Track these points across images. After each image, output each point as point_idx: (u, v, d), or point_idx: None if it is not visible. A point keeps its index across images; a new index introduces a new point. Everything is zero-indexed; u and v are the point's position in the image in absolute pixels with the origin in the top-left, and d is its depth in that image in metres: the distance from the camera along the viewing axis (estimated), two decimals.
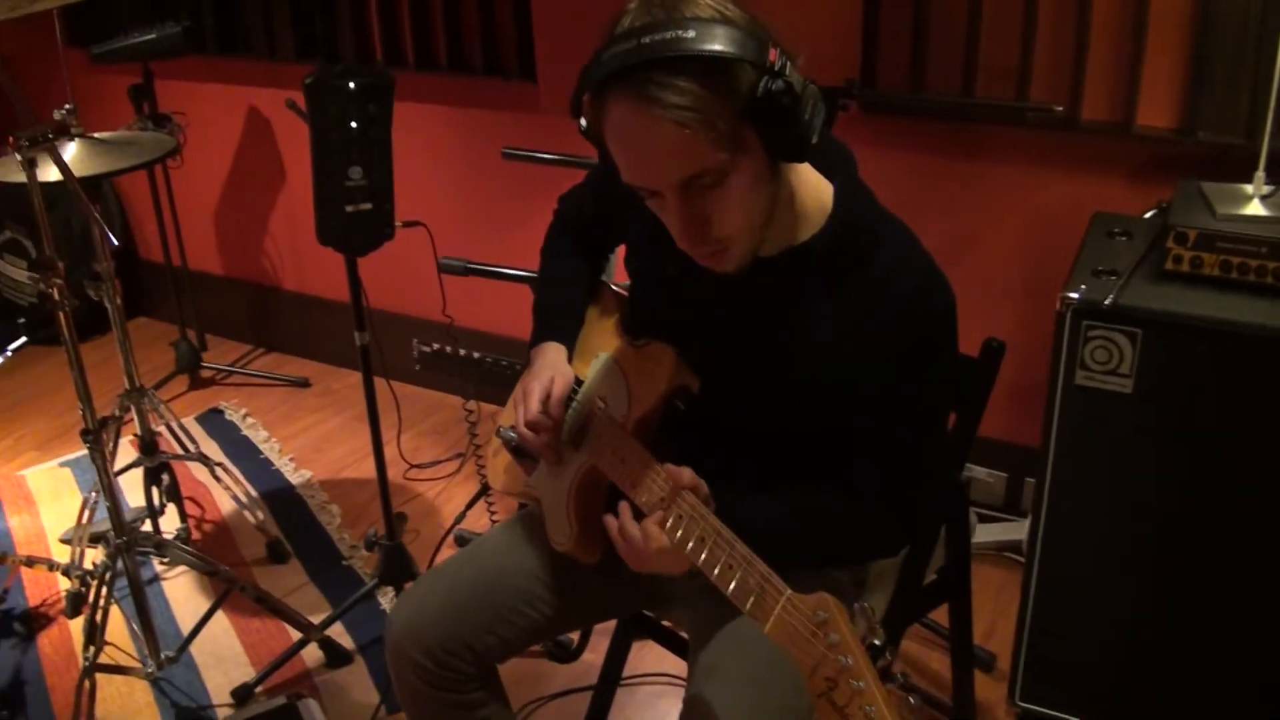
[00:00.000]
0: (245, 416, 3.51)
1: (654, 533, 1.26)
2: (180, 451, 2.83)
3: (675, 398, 1.45)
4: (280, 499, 3.06)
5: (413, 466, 3.13)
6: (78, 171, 2.31)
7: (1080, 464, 1.90)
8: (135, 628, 2.29)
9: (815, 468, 1.40)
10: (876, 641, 1.01)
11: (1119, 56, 2.19)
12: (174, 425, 2.77)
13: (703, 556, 1.22)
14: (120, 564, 2.17)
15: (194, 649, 2.43)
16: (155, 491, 2.75)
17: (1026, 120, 2.32)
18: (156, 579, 2.70)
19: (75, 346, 1.96)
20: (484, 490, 2.62)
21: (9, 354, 2.38)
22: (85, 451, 2.70)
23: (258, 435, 3.40)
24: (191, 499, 3.01)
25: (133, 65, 3.28)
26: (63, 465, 3.19)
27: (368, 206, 1.95)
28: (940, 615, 2.21)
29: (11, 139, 1.78)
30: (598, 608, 1.65)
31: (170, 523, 2.84)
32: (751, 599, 1.14)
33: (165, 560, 2.70)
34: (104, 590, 2.16)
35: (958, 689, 1.93)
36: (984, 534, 2.62)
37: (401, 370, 3.19)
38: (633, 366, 1.51)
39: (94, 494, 2.61)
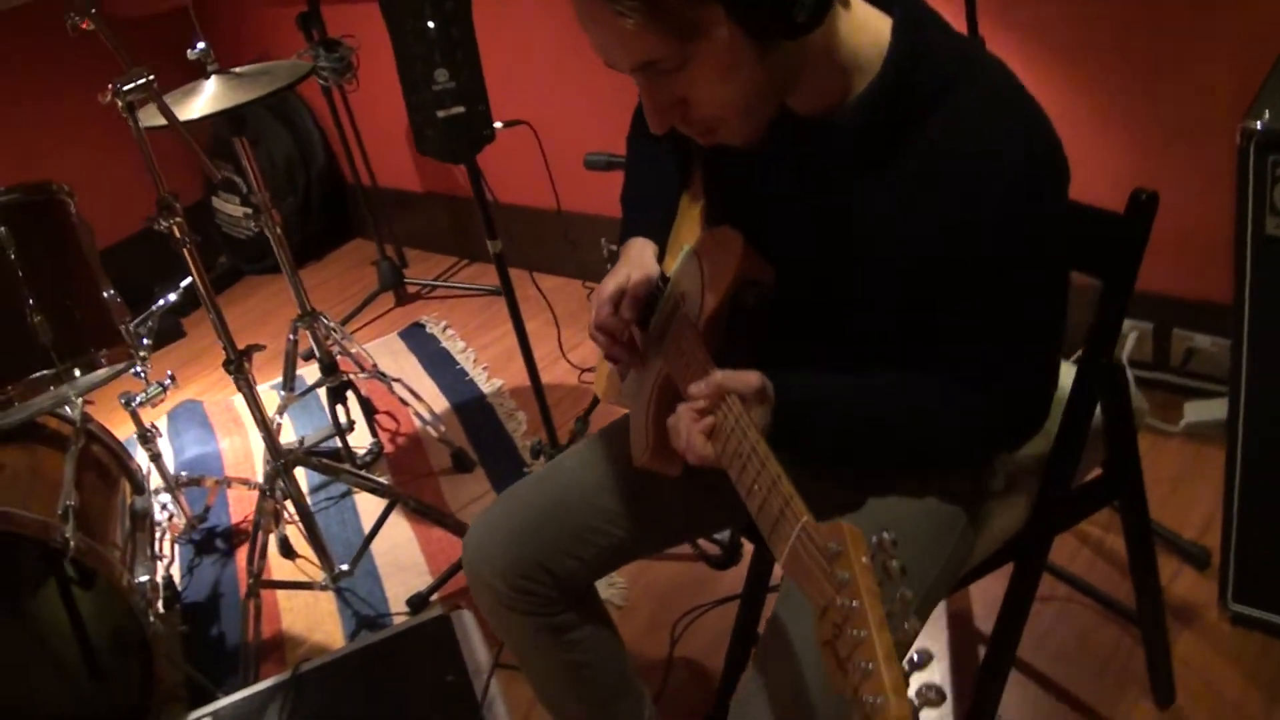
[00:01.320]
0: (445, 329, 3.57)
1: (698, 445, 1.13)
2: (360, 371, 2.89)
3: (744, 292, 1.30)
4: (472, 409, 3.09)
5: (584, 372, 3.08)
6: (216, 106, 2.36)
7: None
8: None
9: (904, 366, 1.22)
10: (895, 584, 0.83)
11: None
12: (347, 345, 2.82)
13: (736, 474, 1.08)
14: (281, 485, 2.23)
15: (378, 559, 2.51)
16: (341, 410, 2.84)
17: None
18: (350, 493, 2.79)
19: (205, 282, 1.99)
20: (594, 404, 2.50)
21: (175, 295, 2.45)
22: (272, 382, 2.85)
23: (455, 346, 3.45)
24: (388, 413, 3.09)
25: None
26: (271, 388, 3.35)
27: (460, 110, 1.86)
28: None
29: (110, 85, 1.80)
30: (686, 525, 1.53)
31: (363, 438, 2.93)
32: (771, 525, 0.99)
33: None
34: (269, 512, 2.24)
35: (1140, 597, 1.69)
36: (1206, 411, 2.29)
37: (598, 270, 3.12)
38: (708, 256, 1.37)
39: (278, 416, 2.73)
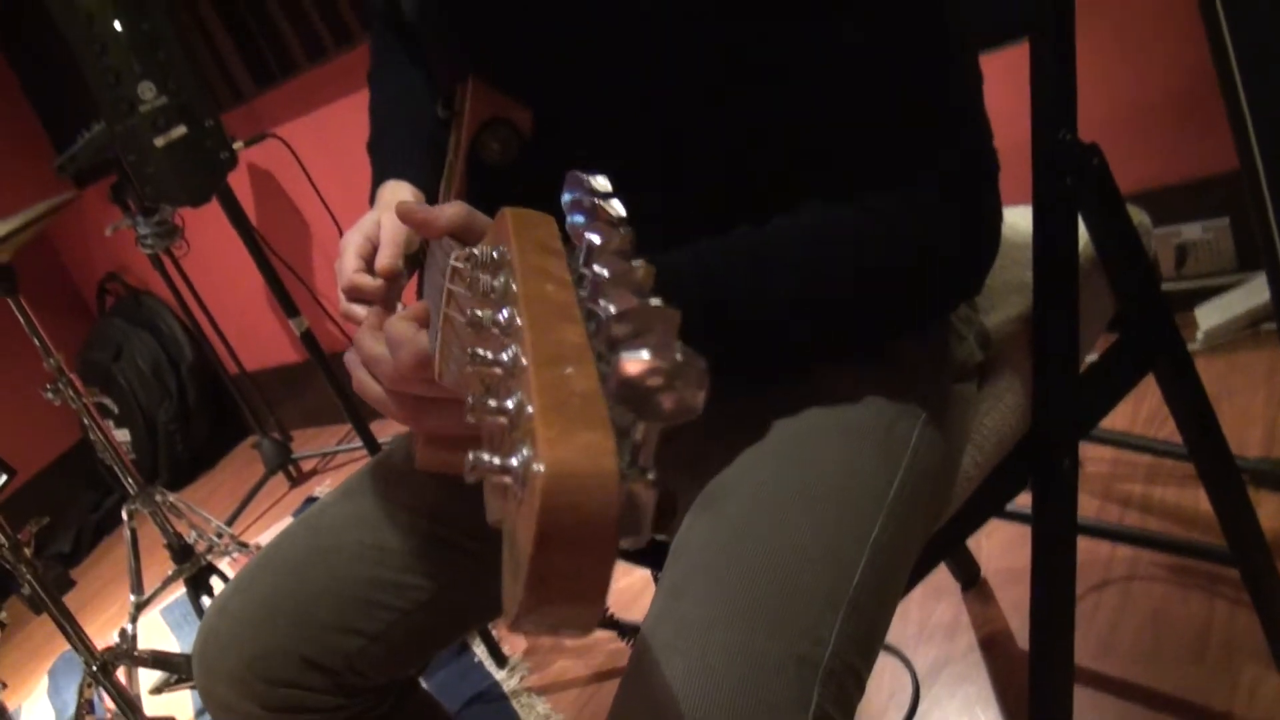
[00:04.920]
0: None
1: (396, 333, 0.67)
2: (216, 548, 2.39)
3: (485, 138, 0.86)
4: None
5: None
6: None
7: None
8: None
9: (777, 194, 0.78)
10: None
11: None
12: (196, 519, 2.33)
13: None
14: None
15: None
16: (209, 601, 2.32)
17: None
18: None
19: None
20: None
21: None
22: (175, 596, 2.34)
23: None
24: None
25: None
26: (158, 614, 2.81)
27: (182, 130, 1.42)
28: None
29: None
30: None
31: None
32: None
33: None
34: None
35: (1229, 527, 1.18)
36: (1222, 310, 1.83)
37: None
38: (457, 146, 0.94)
39: (130, 625, 2.21)
